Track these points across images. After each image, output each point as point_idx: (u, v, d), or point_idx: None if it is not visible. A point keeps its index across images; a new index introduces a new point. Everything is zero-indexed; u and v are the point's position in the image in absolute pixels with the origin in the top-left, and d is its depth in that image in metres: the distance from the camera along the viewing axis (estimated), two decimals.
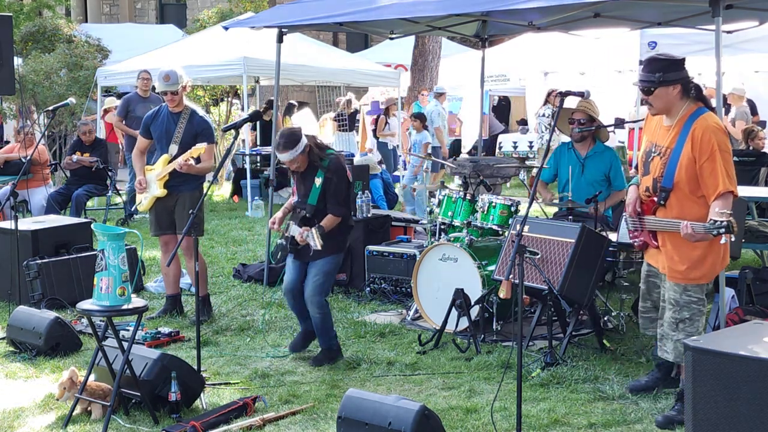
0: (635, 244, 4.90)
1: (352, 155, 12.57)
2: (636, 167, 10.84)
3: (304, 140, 5.48)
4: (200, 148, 6.38)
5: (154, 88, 10.10)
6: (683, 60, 4.58)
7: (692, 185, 4.48)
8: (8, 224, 7.18)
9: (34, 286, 7.00)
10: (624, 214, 5.93)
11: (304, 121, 16.67)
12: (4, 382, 5.44)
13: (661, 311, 4.78)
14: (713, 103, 5.16)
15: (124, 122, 11.09)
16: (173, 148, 6.52)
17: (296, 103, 16.90)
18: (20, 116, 13.41)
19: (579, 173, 6.76)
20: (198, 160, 6.47)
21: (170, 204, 6.61)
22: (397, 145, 15.36)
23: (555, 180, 7.07)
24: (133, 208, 10.23)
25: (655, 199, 4.61)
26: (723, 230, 4.13)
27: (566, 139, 7.50)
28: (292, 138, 5.44)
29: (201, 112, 6.73)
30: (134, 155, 6.88)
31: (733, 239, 4.23)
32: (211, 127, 6.66)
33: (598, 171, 6.75)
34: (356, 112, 16.64)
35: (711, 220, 4.21)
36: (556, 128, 6.21)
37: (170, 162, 6.49)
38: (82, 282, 7.04)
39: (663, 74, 4.45)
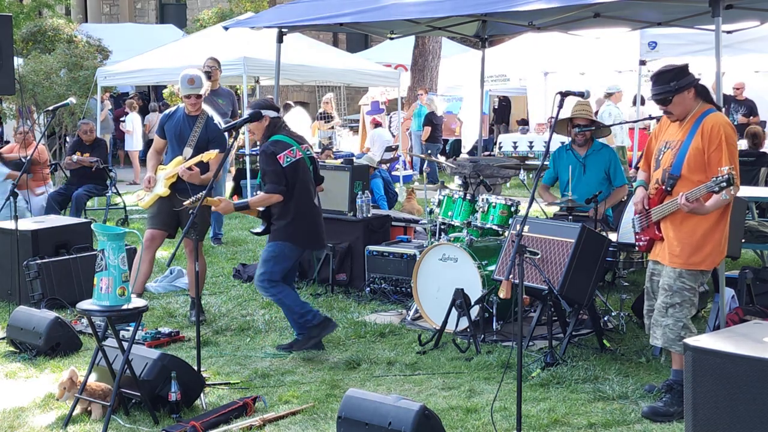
0: (639, 245, 4.97)
1: (352, 155, 12.57)
2: (635, 167, 10.84)
3: (263, 113, 5.76)
4: (212, 153, 6.33)
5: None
6: (688, 65, 4.81)
7: (699, 174, 4.66)
8: (8, 224, 7.18)
9: (34, 286, 7.00)
10: (624, 213, 5.95)
11: (294, 120, 16.80)
12: (4, 382, 5.44)
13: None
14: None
15: None
16: (188, 151, 6.50)
17: (292, 104, 16.93)
18: (20, 116, 13.41)
19: (581, 173, 6.78)
20: (206, 168, 6.44)
21: (176, 205, 6.58)
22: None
23: (556, 182, 7.08)
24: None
25: (663, 187, 4.77)
26: (724, 184, 4.39)
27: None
28: (258, 105, 5.84)
29: (217, 118, 6.72)
30: (150, 154, 6.85)
31: (733, 193, 4.48)
32: (224, 135, 6.56)
33: (598, 169, 6.79)
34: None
35: (712, 177, 4.47)
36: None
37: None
38: (82, 282, 7.04)
39: (677, 82, 4.70)
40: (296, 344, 5.85)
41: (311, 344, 5.80)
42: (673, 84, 4.68)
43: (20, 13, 19.50)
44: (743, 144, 9.94)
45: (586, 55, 13.08)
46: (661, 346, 4.86)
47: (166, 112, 6.82)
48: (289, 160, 5.68)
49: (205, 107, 6.74)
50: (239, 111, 9.94)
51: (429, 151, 15.93)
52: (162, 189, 6.54)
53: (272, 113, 5.81)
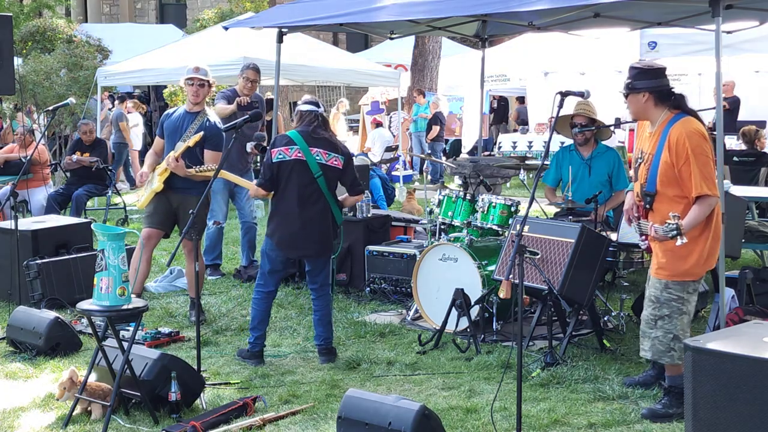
0: (643, 246, 4.92)
1: (351, 155, 12.56)
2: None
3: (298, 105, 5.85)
4: (197, 136, 6.33)
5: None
6: (657, 69, 4.65)
7: (673, 188, 4.56)
8: (8, 224, 7.18)
9: (34, 286, 7.00)
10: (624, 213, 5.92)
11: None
12: (4, 382, 5.44)
13: None
14: (713, 103, 5.19)
15: None
16: (180, 146, 6.48)
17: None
18: (24, 115, 13.41)
19: (586, 175, 6.78)
20: (197, 160, 6.42)
21: (173, 204, 6.57)
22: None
23: (560, 182, 7.07)
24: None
25: (642, 204, 4.70)
26: (675, 233, 4.25)
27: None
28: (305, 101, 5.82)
29: (216, 119, 6.67)
30: (149, 154, 6.82)
31: (684, 241, 4.28)
32: (221, 134, 6.49)
33: (602, 172, 6.80)
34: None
35: (665, 223, 4.33)
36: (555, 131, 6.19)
37: None
38: (82, 282, 7.03)
39: (632, 82, 4.58)
40: (243, 352, 5.80)
41: (249, 362, 5.71)
42: (627, 82, 4.59)
43: (20, 13, 19.50)
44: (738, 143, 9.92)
45: (586, 55, 13.09)
46: (650, 358, 4.76)
47: (167, 111, 6.80)
48: (279, 157, 5.60)
49: (210, 111, 6.73)
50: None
51: (429, 152, 15.95)
52: (156, 184, 6.51)
53: (305, 107, 5.71)
